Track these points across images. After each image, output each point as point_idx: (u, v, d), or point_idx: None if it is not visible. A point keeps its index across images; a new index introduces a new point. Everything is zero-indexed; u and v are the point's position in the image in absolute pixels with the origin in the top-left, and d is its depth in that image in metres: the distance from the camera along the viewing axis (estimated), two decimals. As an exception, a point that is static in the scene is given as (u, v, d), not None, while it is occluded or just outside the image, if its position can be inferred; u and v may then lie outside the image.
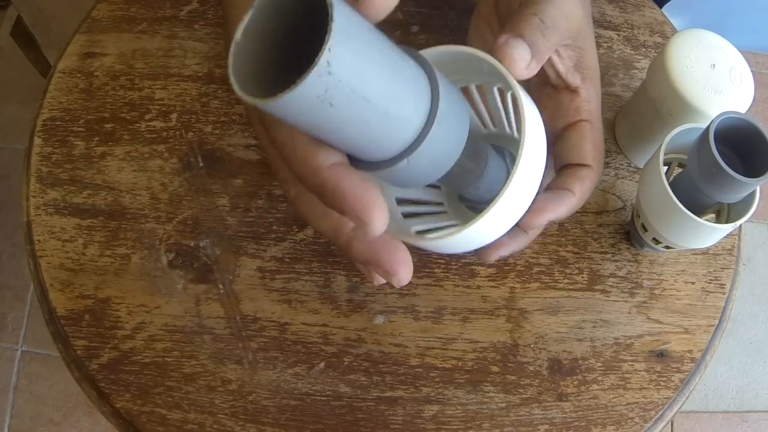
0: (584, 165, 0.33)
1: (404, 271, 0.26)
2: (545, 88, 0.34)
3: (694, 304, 0.42)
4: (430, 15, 0.49)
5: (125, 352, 0.39)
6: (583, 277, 0.42)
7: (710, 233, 0.36)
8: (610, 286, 0.42)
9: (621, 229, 0.43)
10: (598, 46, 0.49)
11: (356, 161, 0.24)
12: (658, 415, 0.39)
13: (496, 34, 0.33)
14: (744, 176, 0.32)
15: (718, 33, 0.40)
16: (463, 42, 0.35)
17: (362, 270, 0.32)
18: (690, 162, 0.35)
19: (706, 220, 0.35)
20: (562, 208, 0.32)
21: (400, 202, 0.34)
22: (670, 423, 0.63)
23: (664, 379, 0.40)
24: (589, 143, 0.33)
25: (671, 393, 0.39)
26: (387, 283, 0.35)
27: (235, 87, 0.19)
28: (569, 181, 0.33)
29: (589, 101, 0.34)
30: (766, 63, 1.32)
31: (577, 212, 0.43)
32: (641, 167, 0.45)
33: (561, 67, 0.33)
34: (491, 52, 0.29)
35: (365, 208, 0.22)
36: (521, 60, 0.28)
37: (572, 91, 0.34)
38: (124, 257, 0.41)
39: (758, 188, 0.35)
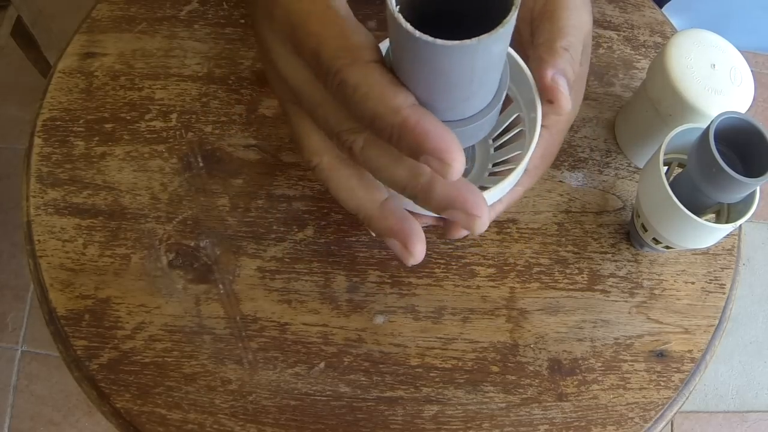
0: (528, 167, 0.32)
1: (485, 214, 0.25)
2: None
3: (694, 304, 0.42)
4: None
5: (125, 352, 0.39)
6: (583, 277, 0.42)
7: (710, 233, 0.36)
8: (610, 286, 0.42)
9: (621, 229, 0.43)
10: (598, 46, 0.49)
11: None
12: (658, 415, 0.39)
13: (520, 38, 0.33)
14: (744, 176, 0.32)
15: (718, 33, 0.40)
16: None
17: (397, 247, 0.28)
18: (690, 162, 0.35)
19: (706, 220, 0.35)
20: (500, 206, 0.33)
21: None
22: (670, 423, 0.63)
23: (664, 379, 0.40)
24: (539, 149, 0.32)
25: (671, 393, 0.39)
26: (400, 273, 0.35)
27: (404, 24, 0.20)
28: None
29: (559, 114, 0.33)
30: (766, 63, 1.32)
31: (577, 212, 0.43)
32: (641, 167, 0.45)
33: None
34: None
35: (449, 146, 0.22)
36: (568, 100, 0.29)
37: (548, 100, 0.33)
38: (124, 257, 0.41)
39: (758, 188, 0.35)
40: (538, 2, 0.32)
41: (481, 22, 0.22)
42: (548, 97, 0.29)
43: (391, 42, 0.23)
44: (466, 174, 0.32)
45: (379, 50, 0.24)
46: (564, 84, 0.29)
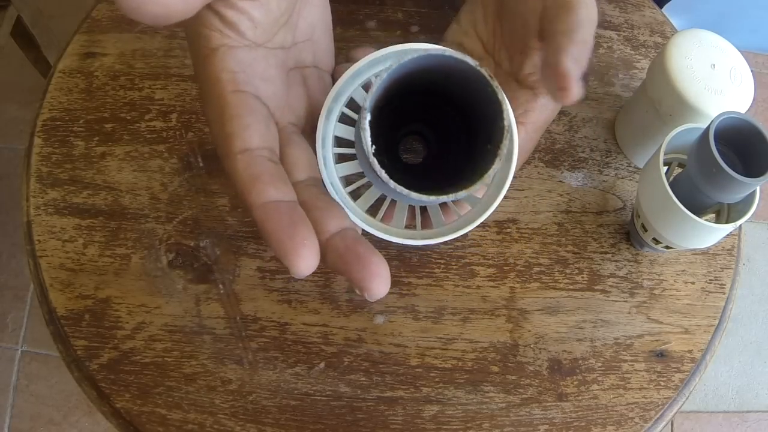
0: None
1: (378, 286, 0.24)
2: (510, 79, 0.34)
3: (694, 304, 0.42)
4: (430, 15, 0.49)
5: (125, 352, 0.39)
6: (583, 277, 0.42)
7: (710, 233, 0.36)
8: (610, 286, 0.42)
9: (621, 229, 0.43)
10: (598, 46, 0.49)
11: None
12: (658, 415, 0.39)
13: (490, 24, 0.33)
14: (744, 176, 0.32)
15: (718, 33, 0.40)
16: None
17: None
18: (690, 162, 0.35)
19: (706, 220, 0.35)
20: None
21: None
22: (670, 423, 0.63)
23: (664, 379, 0.40)
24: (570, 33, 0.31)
25: (671, 393, 0.39)
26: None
27: None
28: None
29: (540, 111, 0.33)
30: (766, 63, 1.32)
31: (577, 212, 0.43)
32: (641, 167, 0.45)
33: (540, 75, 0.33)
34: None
35: (293, 243, 0.23)
36: (580, 90, 0.28)
37: (533, 94, 0.33)
38: (124, 257, 0.41)
39: (758, 188, 0.35)
40: None
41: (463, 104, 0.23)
42: (561, 85, 0.28)
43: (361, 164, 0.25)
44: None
45: (258, 134, 0.25)
46: (578, 74, 0.29)
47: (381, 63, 0.28)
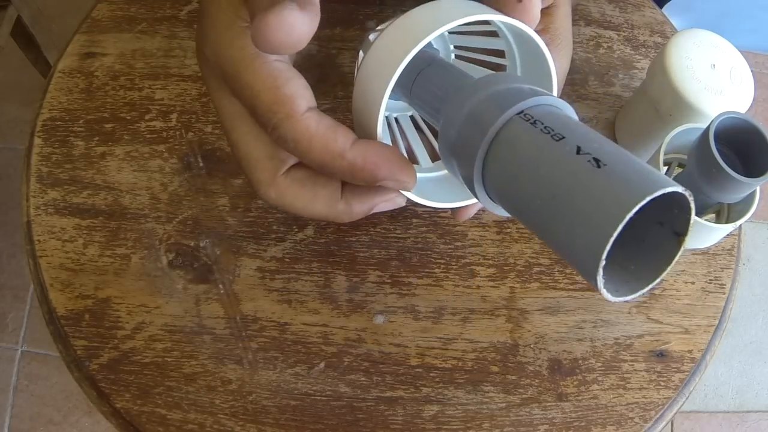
0: None
1: (411, 179, 0.26)
2: None
3: (694, 304, 0.42)
4: (430, 15, 0.49)
5: (125, 352, 0.39)
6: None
7: (710, 233, 0.36)
8: (610, 286, 0.42)
9: (621, 229, 0.43)
10: (598, 46, 0.49)
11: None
12: (658, 415, 0.39)
13: None
14: (744, 176, 0.32)
15: (718, 33, 0.40)
16: None
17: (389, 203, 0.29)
18: (690, 162, 0.35)
19: (706, 220, 0.35)
20: None
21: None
22: (670, 423, 0.63)
23: (664, 379, 0.40)
24: None
25: (671, 393, 0.39)
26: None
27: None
28: None
29: (530, 20, 0.32)
30: (766, 63, 1.32)
31: (577, 212, 0.43)
32: (641, 167, 0.45)
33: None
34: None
35: (400, 169, 0.24)
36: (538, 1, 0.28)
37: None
38: (124, 257, 0.41)
39: (758, 188, 0.35)
40: None
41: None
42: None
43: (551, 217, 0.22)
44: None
45: (311, 95, 0.25)
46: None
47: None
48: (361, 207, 0.27)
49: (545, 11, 0.33)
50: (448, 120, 0.26)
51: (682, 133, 0.37)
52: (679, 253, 0.22)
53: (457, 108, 0.25)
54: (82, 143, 0.44)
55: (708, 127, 0.33)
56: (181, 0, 0.48)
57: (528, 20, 0.27)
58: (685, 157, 0.38)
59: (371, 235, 0.42)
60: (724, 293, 0.42)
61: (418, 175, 0.32)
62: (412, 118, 0.36)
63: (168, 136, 0.44)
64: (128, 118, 0.44)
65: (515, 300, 0.41)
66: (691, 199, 0.21)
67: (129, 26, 0.47)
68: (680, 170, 0.40)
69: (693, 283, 0.42)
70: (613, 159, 0.21)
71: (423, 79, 0.28)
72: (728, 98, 0.38)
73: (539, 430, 0.38)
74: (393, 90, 0.28)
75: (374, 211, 0.28)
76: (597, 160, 0.21)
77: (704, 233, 0.36)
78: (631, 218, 0.19)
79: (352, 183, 0.25)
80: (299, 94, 0.24)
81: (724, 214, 0.38)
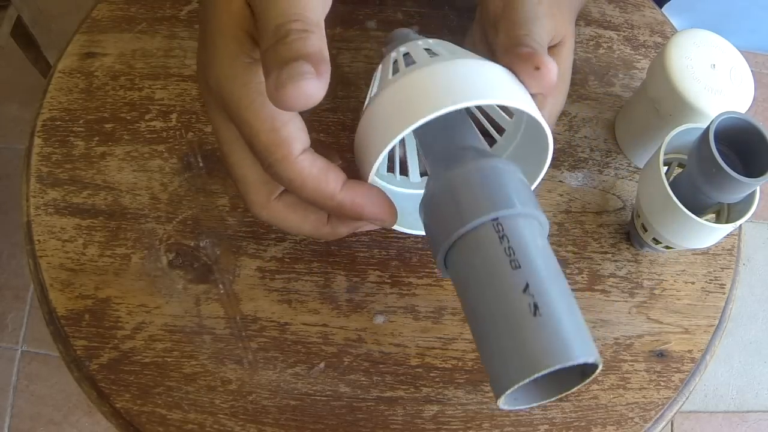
0: None
1: (392, 219, 0.29)
2: None
3: (694, 304, 0.42)
4: (430, 15, 0.49)
5: (125, 352, 0.39)
6: (583, 277, 0.42)
7: (710, 233, 0.36)
8: (610, 286, 0.42)
9: (621, 229, 0.43)
10: (598, 46, 0.49)
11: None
12: (658, 415, 0.39)
13: (485, 41, 0.34)
14: (744, 176, 0.32)
15: (718, 33, 0.40)
16: (460, 41, 0.35)
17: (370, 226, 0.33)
18: (690, 162, 0.35)
19: (706, 220, 0.35)
20: None
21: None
22: (670, 423, 0.63)
23: (664, 379, 0.40)
24: None
25: (671, 393, 0.39)
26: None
27: None
28: None
29: (543, 108, 0.33)
30: (766, 63, 1.32)
31: (577, 212, 0.43)
32: (641, 167, 0.45)
33: None
34: (502, 57, 0.31)
35: (382, 210, 0.28)
36: (554, 68, 0.30)
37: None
38: (124, 257, 0.41)
39: (758, 188, 0.35)
40: (498, 5, 0.33)
41: None
42: (534, 65, 0.29)
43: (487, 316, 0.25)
44: None
45: (306, 136, 0.26)
46: (543, 51, 0.30)
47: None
48: (345, 230, 0.30)
49: (552, 50, 0.34)
50: (432, 190, 0.28)
51: (682, 133, 0.37)
52: (579, 387, 0.25)
53: (443, 184, 0.27)
54: (82, 143, 0.44)
55: (708, 127, 0.33)
56: (181, 0, 0.48)
57: (543, 87, 0.30)
58: (685, 157, 0.38)
59: (371, 235, 0.42)
60: (724, 293, 0.42)
61: (409, 191, 0.34)
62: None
63: (168, 136, 0.44)
64: (128, 118, 0.44)
65: (515, 300, 0.41)
66: (600, 364, 0.24)
67: (129, 26, 0.47)
68: (680, 170, 0.40)
69: (693, 283, 0.42)
70: (551, 311, 0.23)
71: (425, 126, 0.29)
72: (728, 98, 0.38)
73: (539, 430, 0.38)
74: None
75: (357, 231, 0.31)
76: (536, 307, 0.23)
77: (704, 233, 0.36)
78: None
79: (337, 218, 0.29)
80: (295, 136, 0.26)
81: (724, 214, 0.38)
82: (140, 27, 0.47)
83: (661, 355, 0.40)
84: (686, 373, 0.40)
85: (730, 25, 0.64)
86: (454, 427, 0.38)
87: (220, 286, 0.40)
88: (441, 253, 0.27)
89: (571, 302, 0.24)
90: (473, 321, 0.25)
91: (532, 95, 0.31)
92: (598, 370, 0.24)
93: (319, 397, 0.38)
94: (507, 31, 0.32)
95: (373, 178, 0.29)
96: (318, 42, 0.24)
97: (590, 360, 0.22)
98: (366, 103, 0.32)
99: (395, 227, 0.32)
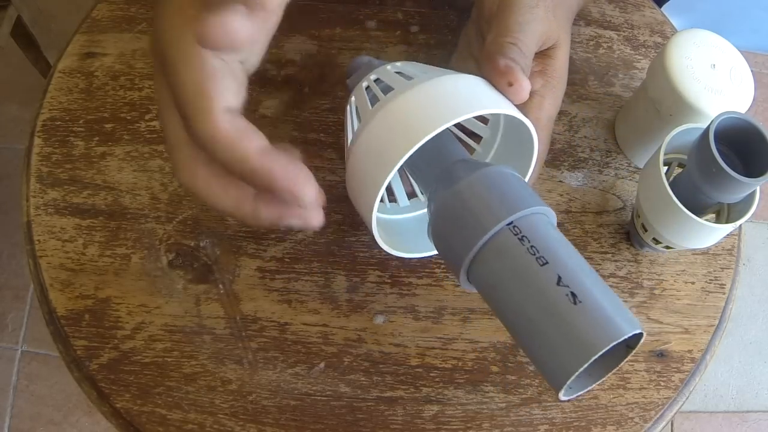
0: None
1: (307, 195, 0.25)
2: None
3: (694, 304, 0.42)
4: (430, 15, 0.49)
5: (125, 352, 0.39)
6: (583, 277, 0.42)
7: (710, 233, 0.36)
8: (610, 286, 0.41)
9: (621, 229, 0.43)
10: (598, 46, 0.49)
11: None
12: (658, 415, 0.39)
13: (480, 41, 0.35)
14: (744, 176, 0.32)
15: (718, 33, 0.40)
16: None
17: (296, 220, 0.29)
18: (690, 162, 0.35)
19: (706, 220, 0.35)
20: None
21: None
22: (670, 423, 0.63)
23: (664, 379, 0.40)
24: None
25: (671, 393, 0.39)
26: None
27: None
28: None
29: (540, 108, 0.34)
30: (766, 63, 1.32)
31: (577, 212, 0.43)
32: (641, 167, 0.45)
33: None
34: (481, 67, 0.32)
35: (297, 182, 0.25)
36: (526, 85, 0.31)
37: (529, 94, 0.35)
38: (124, 257, 0.41)
39: (758, 188, 0.35)
40: (495, 3, 0.34)
41: None
42: (508, 80, 0.30)
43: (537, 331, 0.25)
44: None
45: (237, 100, 0.25)
46: (522, 75, 0.31)
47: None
48: (268, 214, 0.27)
49: (546, 53, 0.35)
50: (439, 210, 0.28)
51: (682, 133, 0.37)
52: (627, 359, 0.25)
53: (448, 201, 0.28)
54: (82, 143, 0.43)
55: (708, 127, 0.33)
56: (181, 0, 0.48)
57: (516, 101, 0.31)
58: (685, 157, 0.38)
59: (371, 235, 0.42)
60: (724, 293, 0.42)
61: (396, 217, 0.35)
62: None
63: (168, 136, 0.44)
64: (128, 118, 0.44)
65: (515, 300, 0.41)
66: (644, 333, 0.24)
67: (129, 26, 0.47)
68: (680, 170, 0.40)
69: (693, 283, 0.42)
70: (588, 296, 0.23)
71: (417, 154, 0.30)
72: (728, 98, 0.38)
73: (539, 430, 0.38)
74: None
75: (284, 223, 0.28)
76: (574, 296, 0.23)
77: (704, 233, 0.36)
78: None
79: (249, 185, 0.26)
80: (220, 93, 0.24)
81: (724, 214, 0.38)
82: (140, 27, 0.47)
83: (661, 355, 0.40)
84: (686, 373, 0.40)
85: (730, 25, 0.64)
86: (454, 427, 0.38)
87: (220, 286, 0.40)
88: (464, 268, 0.27)
89: (601, 283, 0.25)
90: (514, 324, 0.26)
91: (532, 93, 0.32)
92: (642, 339, 0.24)
93: (319, 397, 0.38)
94: (496, 35, 0.33)
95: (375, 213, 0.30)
96: None
97: (636, 331, 0.23)
98: (350, 138, 0.32)
99: (394, 252, 0.32)
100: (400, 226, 0.37)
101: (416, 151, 0.28)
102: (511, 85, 0.31)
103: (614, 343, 0.23)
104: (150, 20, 0.47)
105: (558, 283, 0.24)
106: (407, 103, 0.29)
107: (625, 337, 0.23)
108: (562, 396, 0.24)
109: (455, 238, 0.27)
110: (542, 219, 0.27)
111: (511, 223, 0.26)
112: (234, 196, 0.27)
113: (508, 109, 0.29)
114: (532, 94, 0.34)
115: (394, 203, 0.38)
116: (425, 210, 0.37)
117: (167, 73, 0.25)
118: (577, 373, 0.23)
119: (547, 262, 0.24)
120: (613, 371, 0.26)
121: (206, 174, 0.26)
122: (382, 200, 0.37)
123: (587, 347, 0.23)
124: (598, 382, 0.26)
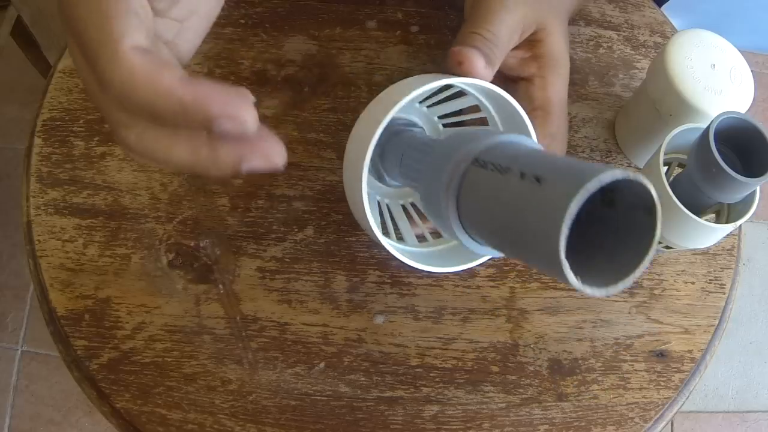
0: None
1: (247, 114, 0.22)
2: (507, 82, 0.37)
3: (694, 304, 0.42)
4: (430, 15, 0.49)
5: (125, 352, 0.39)
6: (583, 277, 0.42)
7: (710, 233, 0.36)
8: (610, 286, 0.42)
9: (621, 229, 0.43)
10: (598, 46, 0.49)
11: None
12: (658, 415, 0.39)
13: None
14: (744, 176, 0.32)
15: (718, 33, 0.40)
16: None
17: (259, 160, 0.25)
18: (690, 162, 0.35)
19: (706, 220, 0.35)
20: None
21: None
22: (670, 423, 0.63)
23: (664, 379, 0.40)
24: (541, 134, 0.35)
25: (671, 393, 0.39)
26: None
27: None
28: None
29: (544, 88, 0.35)
30: (766, 63, 1.32)
31: (577, 212, 0.43)
32: (641, 167, 0.45)
33: (511, 61, 0.36)
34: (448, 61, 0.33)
35: (234, 103, 0.22)
36: (477, 60, 0.32)
37: (527, 80, 0.36)
38: (124, 257, 0.41)
39: (758, 188, 0.35)
40: (469, 2, 0.36)
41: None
42: (457, 60, 0.32)
43: (514, 225, 0.24)
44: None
45: (145, 34, 0.22)
46: (474, 51, 0.32)
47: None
48: (228, 154, 0.23)
49: (532, 38, 0.35)
50: (425, 191, 0.29)
51: (682, 133, 0.37)
52: (658, 229, 0.22)
53: (427, 179, 0.29)
54: (82, 143, 0.43)
55: (708, 127, 0.33)
56: (181, 0, 0.48)
57: (475, 77, 0.32)
58: (685, 157, 0.38)
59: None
60: (724, 293, 0.42)
61: (414, 249, 0.37)
62: (403, 206, 0.40)
63: (168, 136, 0.44)
64: (128, 118, 0.44)
65: (515, 300, 0.41)
66: (632, 176, 0.21)
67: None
68: (680, 170, 0.40)
69: (693, 283, 0.42)
70: (551, 171, 0.22)
71: (406, 158, 0.33)
72: (728, 98, 0.38)
73: (539, 430, 0.38)
74: (389, 172, 0.34)
75: (248, 166, 0.24)
76: (537, 178, 0.23)
77: (704, 233, 0.36)
78: (585, 215, 0.21)
79: (183, 125, 0.22)
80: (125, 30, 0.22)
81: (724, 214, 0.38)
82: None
83: (661, 355, 0.40)
84: (686, 373, 0.40)
85: (730, 25, 0.64)
86: (454, 427, 0.38)
87: (220, 286, 0.40)
88: (455, 220, 0.27)
89: (571, 161, 0.23)
90: (505, 235, 0.25)
91: (531, 77, 0.36)
92: (654, 196, 0.22)
93: (319, 397, 0.38)
94: (462, 29, 0.34)
95: (383, 238, 0.32)
96: None
97: (619, 176, 0.21)
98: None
99: (389, 245, 0.33)
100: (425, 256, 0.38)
101: (404, 159, 0.32)
102: (460, 63, 0.32)
103: (584, 191, 0.20)
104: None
105: (521, 178, 0.23)
106: (379, 97, 0.33)
107: (600, 182, 0.20)
108: (584, 289, 0.21)
109: (439, 201, 0.27)
110: (504, 141, 0.27)
111: (475, 159, 0.26)
112: (185, 146, 0.23)
113: (456, 78, 0.31)
114: (531, 77, 0.35)
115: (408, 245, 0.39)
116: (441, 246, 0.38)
117: (75, 31, 0.23)
118: (563, 240, 0.20)
119: (509, 168, 0.24)
120: (650, 253, 0.22)
121: (147, 131, 0.23)
122: (387, 233, 0.38)
123: (560, 208, 0.20)
124: (637, 272, 0.22)
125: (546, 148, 0.33)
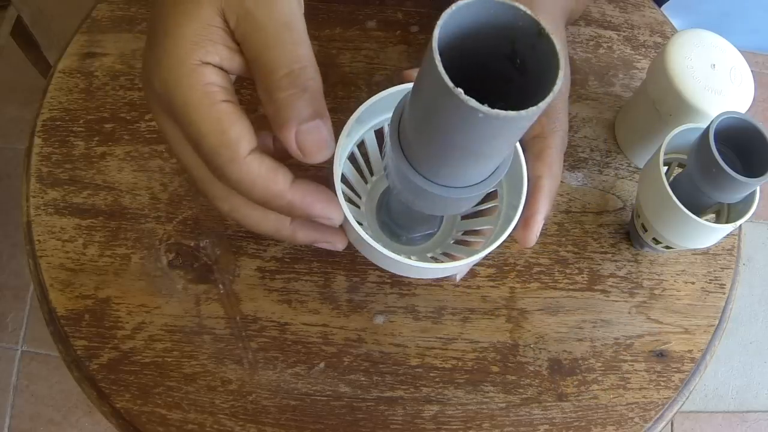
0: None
1: (338, 216, 0.28)
2: None
3: (694, 304, 0.42)
4: (431, 15, 0.49)
5: (125, 352, 0.39)
6: (583, 277, 0.42)
7: (710, 233, 0.36)
8: (610, 286, 0.42)
9: (621, 229, 0.43)
10: (598, 46, 0.49)
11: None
12: (658, 415, 0.39)
13: None
14: (744, 176, 0.32)
15: (718, 33, 0.40)
16: None
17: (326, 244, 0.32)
18: (690, 162, 0.35)
19: (706, 220, 0.35)
20: None
21: None
22: (670, 423, 0.63)
23: (664, 379, 0.40)
24: (542, 133, 0.34)
25: (671, 393, 0.39)
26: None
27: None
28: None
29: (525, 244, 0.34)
30: (766, 63, 1.32)
31: (577, 212, 0.43)
32: (641, 167, 0.45)
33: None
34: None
35: (330, 208, 0.27)
36: (533, 239, 0.32)
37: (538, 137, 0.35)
38: (124, 257, 0.41)
39: (758, 188, 0.35)
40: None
41: (491, 90, 0.22)
42: (524, 226, 0.31)
43: (418, 97, 0.23)
44: (428, 237, 0.37)
45: (253, 136, 0.26)
46: (538, 227, 0.32)
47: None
48: (304, 238, 0.30)
49: None
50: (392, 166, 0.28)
51: (682, 133, 0.37)
52: (559, 47, 0.21)
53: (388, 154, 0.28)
54: (82, 143, 0.43)
55: (708, 127, 0.33)
56: (181, 0, 0.48)
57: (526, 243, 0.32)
58: (685, 157, 0.38)
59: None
60: (724, 293, 0.42)
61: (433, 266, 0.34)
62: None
63: (168, 136, 0.44)
64: (128, 118, 0.44)
65: (515, 300, 0.41)
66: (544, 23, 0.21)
67: (129, 26, 0.47)
68: (680, 170, 0.40)
69: (693, 283, 0.42)
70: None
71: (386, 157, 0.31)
72: (728, 98, 0.38)
73: (539, 430, 0.38)
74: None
75: (316, 245, 0.31)
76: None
77: (704, 233, 0.36)
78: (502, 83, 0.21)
79: (288, 216, 0.28)
80: (243, 137, 0.25)
81: (724, 214, 0.38)
82: (140, 27, 0.47)
83: (661, 355, 0.40)
84: (686, 373, 0.40)
85: (730, 25, 0.64)
86: (454, 427, 0.38)
87: (220, 286, 0.40)
88: (395, 144, 0.26)
89: None
90: (420, 123, 0.23)
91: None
92: (544, 26, 0.21)
93: (319, 397, 0.38)
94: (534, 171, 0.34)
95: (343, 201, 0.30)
96: (318, 83, 0.27)
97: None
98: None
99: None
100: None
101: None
102: (524, 229, 0.32)
103: (445, 15, 0.19)
104: (148, 21, 0.47)
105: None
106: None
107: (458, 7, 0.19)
108: (493, 112, 0.19)
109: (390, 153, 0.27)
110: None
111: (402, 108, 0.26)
112: (273, 223, 0.29)
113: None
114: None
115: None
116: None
117: (180, 122, 0.26)
118: (438, 57, 0.19)
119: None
120: (561, 72, 0.20)
121: (245, 204, 0.28)
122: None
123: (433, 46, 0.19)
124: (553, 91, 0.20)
125: (546, 147, 0.33)
